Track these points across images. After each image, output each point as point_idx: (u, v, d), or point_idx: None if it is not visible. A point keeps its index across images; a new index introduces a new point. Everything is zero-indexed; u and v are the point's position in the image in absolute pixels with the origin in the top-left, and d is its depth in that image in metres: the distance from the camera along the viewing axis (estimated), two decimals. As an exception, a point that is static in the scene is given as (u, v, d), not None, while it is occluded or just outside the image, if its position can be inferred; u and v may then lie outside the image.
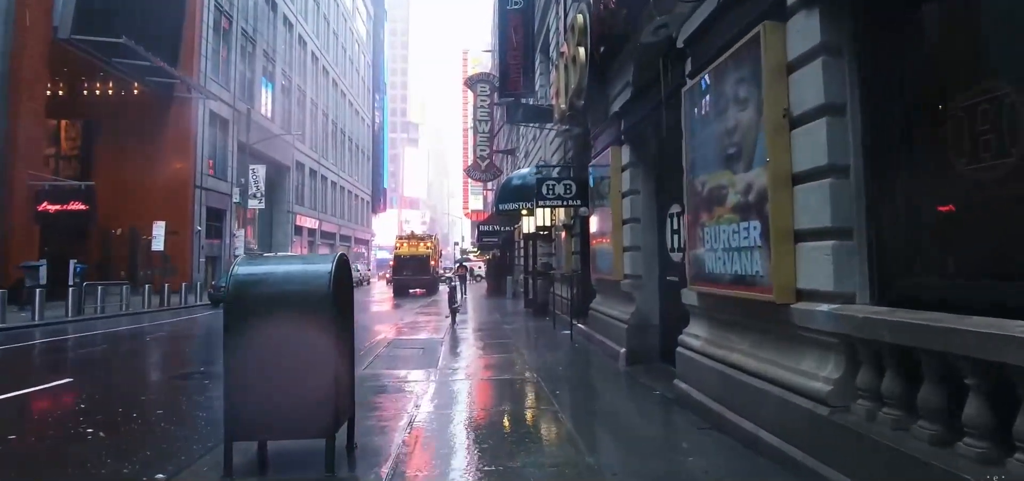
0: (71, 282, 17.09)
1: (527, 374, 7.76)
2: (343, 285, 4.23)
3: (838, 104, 3.74)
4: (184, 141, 26.43)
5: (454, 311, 14.62)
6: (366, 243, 63.90)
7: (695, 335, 5.68)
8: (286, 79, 38.54)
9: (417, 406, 5.97)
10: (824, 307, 3.67)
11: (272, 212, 37.09)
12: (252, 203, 28.40)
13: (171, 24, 24.29)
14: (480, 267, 48.37)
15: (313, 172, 44.24)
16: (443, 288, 29.22)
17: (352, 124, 56.29)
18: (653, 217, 7.89)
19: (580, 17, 8.54)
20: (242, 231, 29.12)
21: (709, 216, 5.07)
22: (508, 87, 18.00)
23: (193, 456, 4.54)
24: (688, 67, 5.73)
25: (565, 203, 11.06)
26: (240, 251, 26.99)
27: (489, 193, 39.92)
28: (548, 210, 13.47)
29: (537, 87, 17.48)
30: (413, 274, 31.39)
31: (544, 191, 10.90)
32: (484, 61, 44.04)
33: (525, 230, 17.54)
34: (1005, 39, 2.99)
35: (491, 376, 7.84)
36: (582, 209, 10.93)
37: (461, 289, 20.44)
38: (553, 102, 11.38)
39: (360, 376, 7.24)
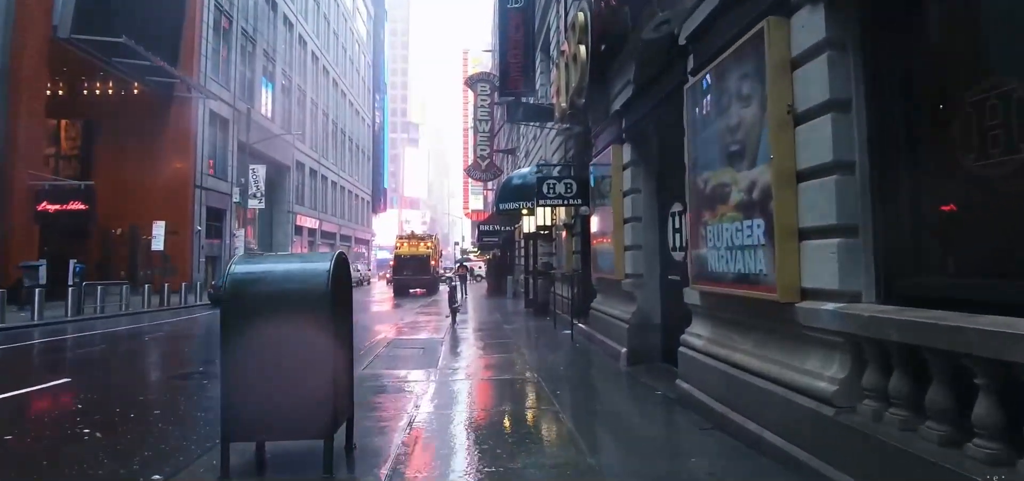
0: (71, 282, 17.06)
1: (528, 374, 7.71)
2: (342, 284, 4.18)
3: (843, 100, 3.69)
4: (184, 141, 26.40)
5: (454, 311, 14.58)
6: (366, 243, 63.86)
7: (697, 335, 5.63)
8: (286, 79, 38.51)
9: (417, 406, 5.92)
10: (829, 306, 3.62)
11: (272, 212, 37.05)
12: (252, 203, 28.36)
13: (171, 24, 24.26)
14: (480, 267, 48.32)
15: (313, 172, 44.21)
16: (443, 288, 29.18)
17: (352, 124, 56.26)
18: (654, 216, 7.85)
19: (581, 15, 8.49)
20: (242, 231, 29.09)
21: (712, 214, 5.02)
22: (508, 86, 17.96)
23: (191, 457, 4.49)
24: (690, 64, 5.68)
25: (566, 202, 11.01)
26: (240, 251, 26.96)
27: (489, 193, 39.88)
28: (549, 209, 13.43)
29: (538, 86, 17.44)
30: (413, 274, 31.34)
31: (545, 190, 10.85)
32: (484, 61, 43.99)
33: (525, 230, 17.50)
34: (1014, 33, 2.93)
35: (491, 376, 7.79)
36: (583, 208, 10.88)
37: (461, 289, 20.40)
38: (554, 101, 11.33)
39: (360, 376, 7.20)
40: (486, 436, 5.02)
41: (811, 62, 3.85)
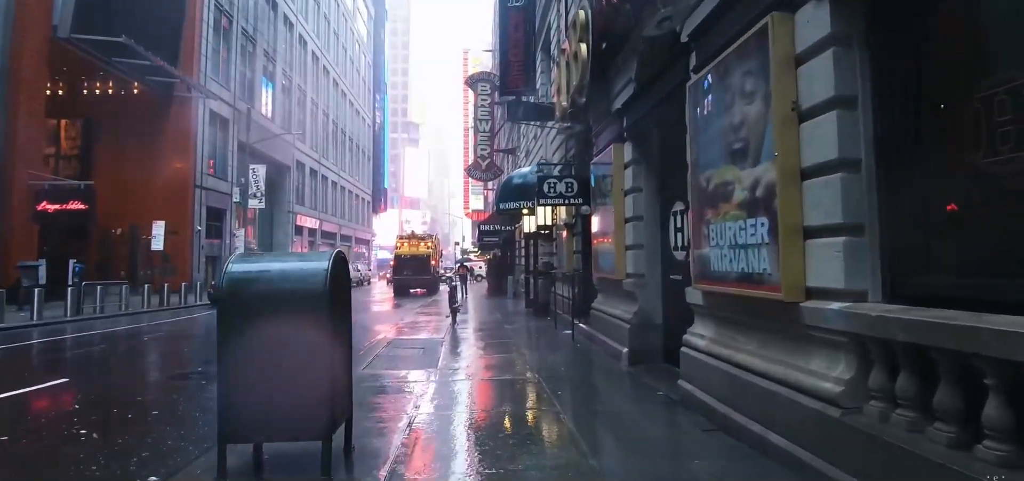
0: (70, 282, 17.02)
1: (528, 374, 7.66)
2: (340, 283, 4.13)
3: (849, 96, 3.64)
4: (184, 141, 26.36)
5: (455, 311, 14.53)
6: (367, 243, 63.82)
7: (700, 335, 5.57)
8: (286, 79, 38.48)
9: (417, 407, 5.87)
10: (835, 305, 3.57)
11: (272, 212, 37.02)
12: (252, 203, 28.32)
13: (171, 23, 24.22)
14: (481, 267, 48.27)
15: (313, 172, 44.17)
16: (444, 288, 29.12)
17: (353, 124, 56.23)
18: (656, 215, 7.80)
19: (582, 13, 8.44)
20: (242, 231, 29.06)
21: (714, 213, 4.97)
22: (509, 85, 17.93)
23: (188, 458, 4.45)
24: (692, 61, 5.63)
25: (567, 201, 10.96)
26: (240, 251, 26.92)
27: (490, 193, 39.85)
28: (549, 209, 13.37)
29: (538, 85, 17.39)
30: (414, 274, 31.28)
31: (545, 189, 10.80)
32: (485, 61, 43.96)
33: (526, 229, 17.44)
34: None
35: (492, 376, 7.74)
36: (584, 207, 10.84)
37: (462, 289, 20.35)
38: (554, 100, 11.28)
39: (359, 376, 7.16)
40: (486, 437, 4.97)
41: (816, 58, 3.80)
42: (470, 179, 38.54)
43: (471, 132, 32.92)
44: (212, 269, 27.82)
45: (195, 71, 26.16)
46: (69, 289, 16.34)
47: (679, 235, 6.99)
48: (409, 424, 5.22)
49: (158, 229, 22.41)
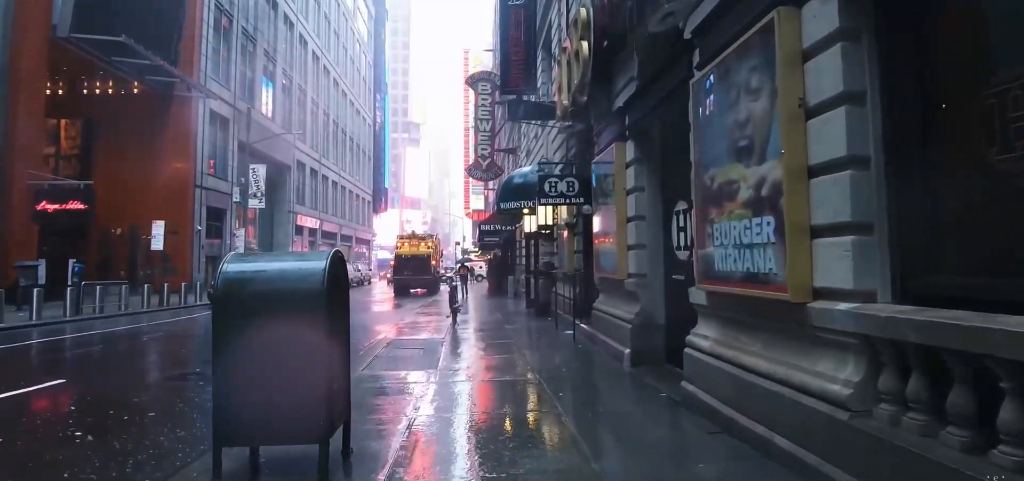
0: (70, 282, 16.96)
1: (529, 375, 7.59)
2: (338, 283, 4.05)
3: (857, 92, 3.56)
4: (184, 140, 26.31)
5: (455, 311, 14.46)
6: (367, 243, 63.78)
7: (704, 335, 5.50)
8: (287, 78, 38.42)
9: (416, 409, 5.80)
10: (843, 306, 3.49)
11: (273, 212, 36.97)
12: (252, 203, 28.27)
13: (171, 23, 24.16)
14: (481, 267, 48.21)
15: (314, 172, 44.12)
16: (444, 288, 29.04)
17: (353, 124, 56.18)
18: (658, 214, 7.72)
19: (583, 11, 8.36)
20: (243, 231, 29.00)
21: (719, 212, 4.89)
22: (510, 84, 17.86)
23: (184, 460, 4.38)
24: (696, 58, 5.55)
25: (568, 201, 10.88)
26: (240, 250, 26.87)
27: (490, 192, 39.79)
28: (550, 208, 13.31)
29: (539, 84, 17.32)
30: (414, 274, 31.22)
31: (546, 188, 10.73)
32: (486, 60, 43.89)
33: (527, 229, 17.37)
34: (1040, 20, 2.80)
35: (492, 378, 7.66)
36: (585, 207, 10.76)
37: (462, 289, 20.27)
38: (555, 99, 11.20)
39: (359, 377, 7.09)
40: (487, 440, 4.89)
41: (824, 53, 3.72)
42: (471, 179, 38.49)
43: (472, 132, 32.88)
44: (212, 269, 27.73)
45: (195, 71, 26.10)
46: (68, 289, 16.28)
47: (682, 235, 6.91)
48: (409, 426, 5.15)
49: (158, 229, 22.37)
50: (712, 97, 5.07)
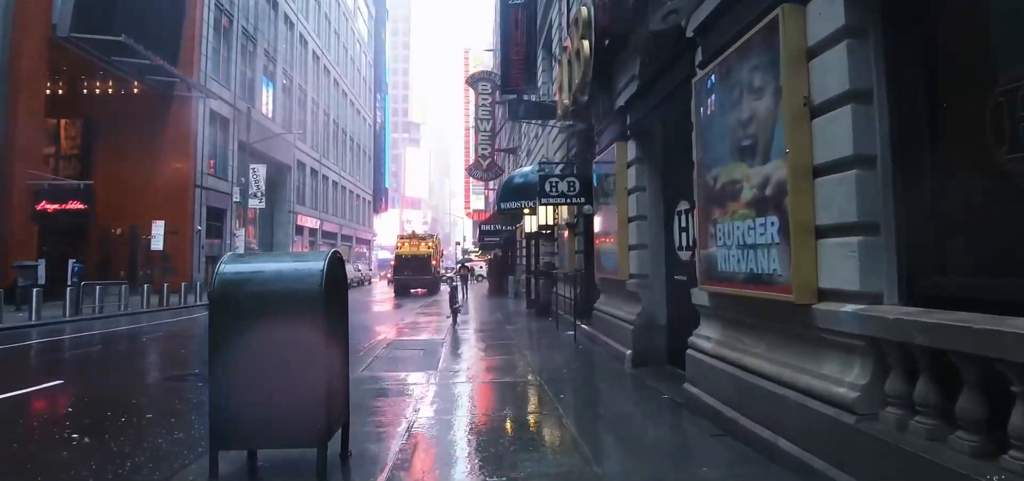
0: (69, 282, 16.92)
1: (530, 377, 7.54)
2: (337, 284, 4.01)
3: (864, 90, 3.50)
4: (184, 140, 26.27)
5: (455, 311, 14.41)
6: (367, 243, 63.74)
7: (706, 337, 5.44)
8: (287, 78, 38.38)
9: (416, 410, 5.75)
10: (849, 308, 3.43)
11: (273, 212, 36.93)
12: (253, 203, 28.23)
13: (171, 22, 24.12)
14: (482, 267, 48.17)
15: (314, 172, 44.08)
16: (444, 288, 29.00)
17: (353, 124, 56.14)
18: (660, 214, 7.66)
19: (584, 9, 8.31)
20: (243, 231, 28.96)
21: (722, 212, 4.84)
22: (510, 84, 17.82)
23: (181, 463, 4.33)
24: (698, 57, 5.50)
25: (568, 200, 10.83)
26: (240, 250, 26.83)
27: (491, 192, 39.75)
28: (551, 208, 13.25)
29: (539, 83, 17.27)
30: (414, 274, 31.17)
31: (547, 188, 10.68)
32: (486, 60, 43.84)
33: (527, 229, 17.31)
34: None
35: (493, 379, 7.62)
36: (586, 207, 10.71)
37: (462, 289, 20.22)
38: (556, 98, 11.15)
39: (358, 378, 7.04)
40: (487, 442, 4.84)
41: (829, 51, 3.66)
42: (471, 179, 38.45)
43: (472, 131, 32.84)
44: (212, 269, 27.63)
45: (195, 70, 26.06)
46: (68, 289, 16.25)
47: (684, 235, 6.86)
48: (408, 429, 5.10)
49: (158, 229, 22.33)
50: (715, 96, 5.02)
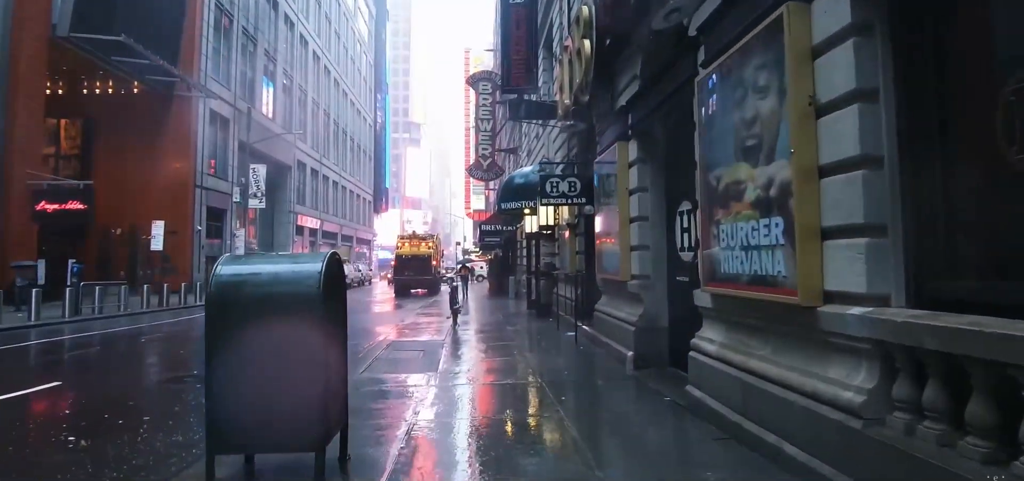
0: (69, 282, 16.88)
1: (530, 378, 7.48)
2: (335, 285, 3.95)
3: (870, 89, 3.45)
4: (184, 140, 26.23)
5: (456, 312, 14.35)
6: (368, 243, 63.70)
7: (709, 339, 5.39)
8: (287, 78, 38.35)
9: (416, 413, 5.69)
10: (856, 310, 3.38)
11: (273, 212, 36.90)
12: (253, 203, 28.19)
13: (171, 22, 24.08)
14: (482, 267, 48.11)
15: (314, 172, 44.04)
16: (445, 288, 28.95)
17: (354, 124, 56.10)
18: (662, 215, 7.61)
19: (585, 9, 8.26)
20: (243, 231, 28.91)
21: (725, 213, 4.79)
22: (511, 84, 17.77)
23: (179, 466, 4.28)
24: (701, 56, 5.44)
25: (569, 201, 10.77)
26: (240, 251, 26.78)
27: (491, 192, 39.71)
28: (551, 209, 13.20)
29: (540, 83, 17.22)
30: (415, 274, 31.13)
31: (548, 188, 10.62)
32: (486, 60, 43.83)
33: (528, 229, 17.26)
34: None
35: (494, 381, 7.56)
36: (587, 207, 10.65)
37: (463, 290, 20.17)
38: (557, 98, 11.10)
39: (358, 380, 6.98)
40: (488, 446, 4.78)
41: (835, 49, 3.61)
42: (471, 179, 38.40)
43: (473, 132, 32.81)
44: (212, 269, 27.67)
45: (195, 70, 26.02)
46: (67, 289, 16.20)
47: (686, 235, 6.80)
48: (408, 431, 5.05)
49: (158, 229, 22.28)
50: (717, 95, 4.97)
